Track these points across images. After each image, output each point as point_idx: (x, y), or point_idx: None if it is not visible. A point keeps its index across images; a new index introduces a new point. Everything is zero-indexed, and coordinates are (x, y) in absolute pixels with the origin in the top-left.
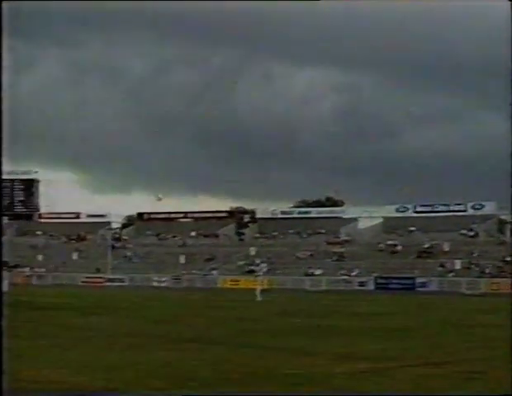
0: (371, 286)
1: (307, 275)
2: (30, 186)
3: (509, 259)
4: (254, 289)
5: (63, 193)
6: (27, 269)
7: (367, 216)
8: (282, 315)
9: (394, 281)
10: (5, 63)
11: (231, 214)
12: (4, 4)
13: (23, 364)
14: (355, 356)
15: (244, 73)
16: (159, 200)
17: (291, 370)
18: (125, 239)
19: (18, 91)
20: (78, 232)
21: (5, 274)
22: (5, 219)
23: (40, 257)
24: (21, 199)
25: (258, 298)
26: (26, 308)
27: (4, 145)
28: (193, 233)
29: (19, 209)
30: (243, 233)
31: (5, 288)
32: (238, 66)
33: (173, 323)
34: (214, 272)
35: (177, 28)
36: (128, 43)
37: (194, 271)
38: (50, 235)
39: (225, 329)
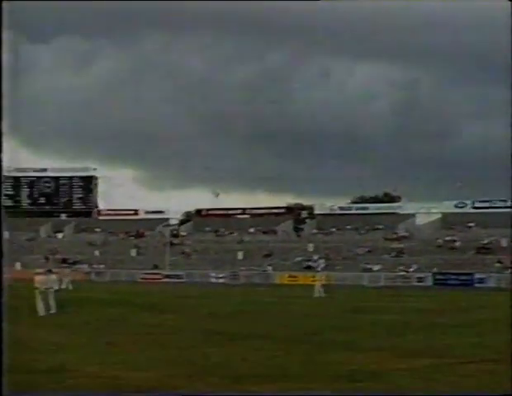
0: (429, 282)
1: (365, 271)
2: (88, 183)
3: None
4: (313, 286)
5: (121, 190)
6: (86, 266)
7: (425, 212)
8: (342, 311)
9: (452, 277)
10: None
11: (289, 210)
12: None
13: (82, 360)
14: (419, 352)
15: (302, 69)
16: (217, 196)
17: (352, 365)
18: (183, 236)
19: (78, 90)
20: (136, 228)
21: (66, 271)
22: (64, 216)
23: (98, 254)
24: (80, 196)
25: (318, 294)
26: (86, 305)
27: (66, 143)
28: (251, 230)
29: (78, 206)
30: (301, 229)
31: (66, 285)
32: (296, 62)
33: (233, 320)
34: (270, 268)
35: (235, 25)
36: (186, 40)
37: (252, 267)
38: (109, 232)
39: (285, 325)
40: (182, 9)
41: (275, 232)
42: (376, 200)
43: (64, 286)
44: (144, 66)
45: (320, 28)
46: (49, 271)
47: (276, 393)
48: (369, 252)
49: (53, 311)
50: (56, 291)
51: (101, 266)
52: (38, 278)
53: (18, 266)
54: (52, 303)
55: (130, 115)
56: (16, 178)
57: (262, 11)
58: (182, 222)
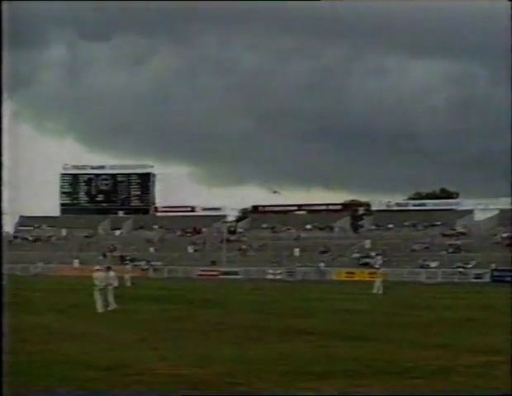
0: (486, 279)
1: (422, 267)
2: (146, 180)
3: None
4: (370, 282)
5: (178, 187)
6: (143, 262)
7: (482, 208)
8: (402, 308)
9: (510, 274)
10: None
11: (346, 206)
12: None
13: (141, 357)
14: (477, 349)
15: (358, 66)
16: (274, 193)
17: (411, 362)
18: (240, 232)
19: (135, 87)
20: (193, 225)
21: (126, 268)
22: (121, 213)
23: (156, 251)
24: (138, 193)
25: (377, 290)
26: (145, 302)
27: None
28: (308, 226)
29: (135, 203)
30: (358, 226)
31: (127, 282)
32: (352, 59)
33: (292, 316)
34: (322, 264)
35: (290, 22)
36: (242, 37)
37: (308, 264)
38: (166, 229)
39: (344, 321)
40: (238, 6)
41: (332, 228)
42: (432, 196)
43: (127, 284)
44: (200, 63)
45: (375, 25)
46: (109, 268)
47: (335, 390)
48: (426, 248)
49: (111, 308)
50: (116, 288)
51: (159, 262)
52: (96, 275)
53: (76, 263)
54: (111, 299)
55: (186, 111)
56: (75, 176)
57: (317, 9)
58: (239, 218)
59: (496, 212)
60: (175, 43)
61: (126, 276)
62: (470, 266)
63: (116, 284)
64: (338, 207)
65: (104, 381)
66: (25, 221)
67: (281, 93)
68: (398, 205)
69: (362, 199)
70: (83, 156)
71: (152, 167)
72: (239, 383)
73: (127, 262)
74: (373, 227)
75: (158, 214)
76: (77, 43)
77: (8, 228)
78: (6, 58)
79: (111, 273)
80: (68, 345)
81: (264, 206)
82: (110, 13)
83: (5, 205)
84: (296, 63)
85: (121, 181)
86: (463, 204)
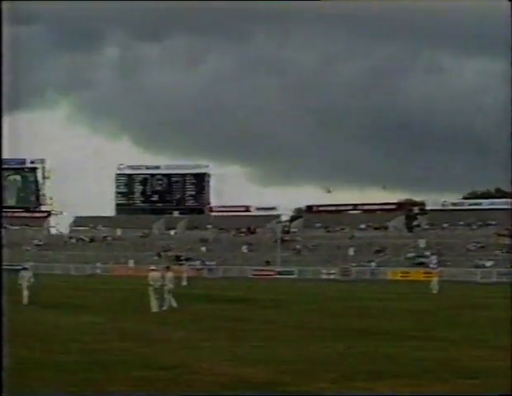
0: None
1: (477, 267)
2: (201, 180)
3: None
4: (426, 282)
5: (233, 187)
6: (198, 262)
7: None
8: (459, 307)
9: None
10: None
11: (400, 206)
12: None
13: (197, 357)
14: None
15: (411, 65)
16: (329, 192)
17: (468, 362)
18: (294, 232)
19: (189, 87)
20: (247, 225)
21: (183, 268)
22: (176, 213)
23: (210, 250)
24: (192, 193)
25: (434, 290)
26: (200, 301)
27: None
28: (362, 226)
29: (190, 203)
30: (412, 225)
31: (183, 282)
32: (405, 58)
33: (350, 316)
34: (373, 264)
35: (345, 20)
36: (296, 37)
37: (363, 263)
38: (220, 228)
39: (402, 321)
40: (293, 6)
41: (386, 228)
42: (488, 195)
43: (183, 283)
44: (254, 62)
45: (428, 24)
46: (168, 268)
47: (395, 391)
48: (481, 247)
49: (165, 307)
50: (171, 288)
51: (213, 262)
52: (152, 275)
53: (131, 263)
54: (168, 299)
55: (240, 111)
56: (130, 176)
57: (370, 9)
58: (293, 218)
59: None
60: (229, 43)
61: (183, 276)
62: None
63: (172, 285)
64: (393, 206)
65: (161, 381)
66: (80, 221)
67: (335, 93)
68: (453, 204)
69: (417, 198)
70: (138, 156)
71: (207, 166)
72: (294, 382)
73: (183, 262)
74: (428, 226)
75: (213, 213)
76: (130, 44)
77: (64, 228)
78: (62, 60)
79: (170, 273)
80: (123, 345)
81: (318, 206)
82: (163, 13)
83: (57, 204)
84: (350, 63)
85: (176, 181)
86: None
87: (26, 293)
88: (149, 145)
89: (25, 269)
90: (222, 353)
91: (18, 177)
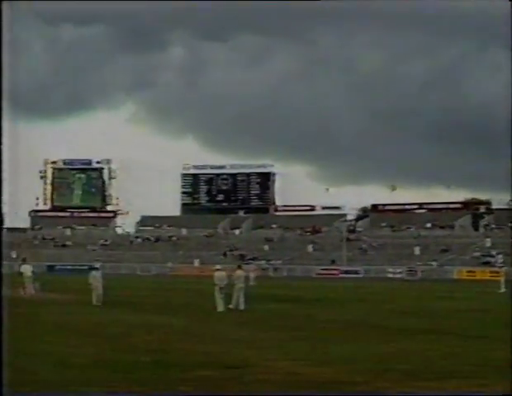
0: None
1: None
2: (266, 179)
3: None
4: (492, 281)
5: (298, 186)
6: (263, 262)
7: None
8: None
9: None
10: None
11: (466, 205)
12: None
13: (262, 356)
14: None
15: (479, 63)
16: (393, 189)
17: None
18: (360, 231)
19: (253, 86)
20: (312, 224)
21: (251, 267)
22: (241, 213)
23: (275, 250)
24: (257, 192)
25: (501, 289)
26: (266, 301)
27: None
28: (428, 225)
29: (255, 202)
30: (478, 224)
31: (251, 282)
32: (468, 57)
33: (411, 314)
34: (435, 263)
35: (410, 19)
36: (359, 36)
37: (429, 263)
38: (285, 228)
39: (468, 321)
40: (357, 4)
41: (452, 227)
42: None
43: (251, 283)
44: (319, 62)
45: (491, 23)
46: (239, 267)
47: (457, 390)
48: None
49: (232, 306)
50: (241, 288)
51: (278, 261)
52: (217, 274)
53: (196, 262)
54: (236, 298)
55: (304, 110)
56: (195, 176)
57: (435, 7)
58: (358, 217)
59: None
60: (294, 42)
61: (252, 275)
62: None
63: (242, 284)
64: (459, 205)
65: (227, 381)
66: (146, 221)
67: (400, 92)
68: None
69: (483, 197)
70: (203, 156)
71: (272, 166)
72: (359, 382)
73: (251, 262)
74: (494, 225)
75: (278, 213)
76: (195, 44)
77: (130, 228)
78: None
79: (240, 272)
80: (189, 344)
81: (384, 205)
82: (228, 13)
83: (123, 204)
84: (415, 62)
85: (241, 181)
86: None
87: (96, 293)
88: (214, 145)
89: (95, 269)
90: (288, 352)
91: (84, 178)
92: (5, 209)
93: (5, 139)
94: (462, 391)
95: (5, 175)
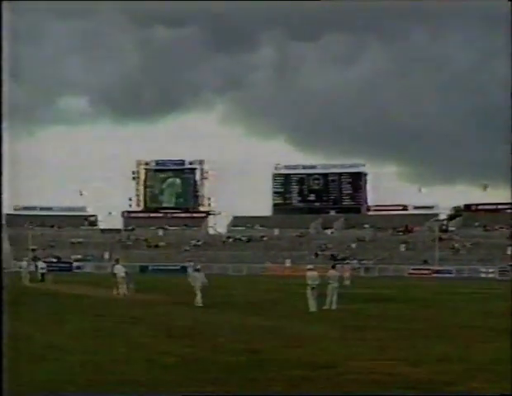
0: None
1: None
2: (357, 179)
3: None
4: None
5: (389, 186)
6: (355, 261)
7: None
8: None
9: None
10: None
11: None
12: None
13: (353, 356)
14: None
15: None
16: (485, 189)
17: None
18: (452, 231)
19: (344, 86)
20: (404, 224)
21: (346, 267)
22: (333, 212)
23: (367, 249)
24: (349, 192)
25: None
26: (360, 301)
27: (333, 139)
28: None
29: (347, 202)
30: None
31: (346, 282)
32: None
33: (506, 315)
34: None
35: (503, 16)
36: (452, 35)
37: None
38: (377, 228)
39: None
40: (450, 2)
41: None
42: None
43: (346, 283)
44: (409, 60)
45: None
46: (333, 267)
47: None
48: None
49: (326, 307)
50: (335, 287)
51: (370, 261)
52: (309, 274)
53: (288, 262)
54: (330, 297)
55: (395, 110)
56: (286, 176)
57: None
58: (451, 217)
59: None
60: (385, 41)
61: (346, 275)
62: None
63: (336, 284)
64: None
65: (319, 381)
66: (238, 221)
67: (492, 91)
68: None
69: None
70: (294, 156)
71: (363, 165)
72: (455, 382)
73: (345, 262)
74: None
75: (370, 213)
76: (286, 44)
77: (222, 228)
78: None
79: (334, 272)
80: (282, 344)
81: (476, 205)
82: (318, 13)
83: (215, 205)
84: (504, 61)
85: (333, 181)
86: None
87: (199, 294)
88: (305, 144)
89: (197, 270)
90: (380, 352)
91: (177, 179)
92: (96, 212)
93: (101, 143)
94: None
95: (99, 175)
